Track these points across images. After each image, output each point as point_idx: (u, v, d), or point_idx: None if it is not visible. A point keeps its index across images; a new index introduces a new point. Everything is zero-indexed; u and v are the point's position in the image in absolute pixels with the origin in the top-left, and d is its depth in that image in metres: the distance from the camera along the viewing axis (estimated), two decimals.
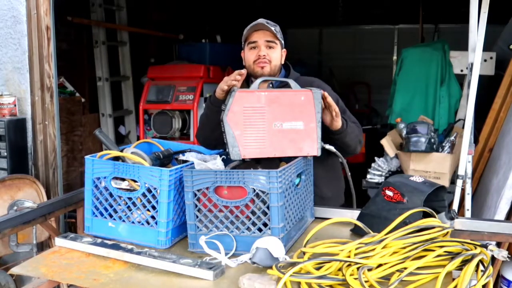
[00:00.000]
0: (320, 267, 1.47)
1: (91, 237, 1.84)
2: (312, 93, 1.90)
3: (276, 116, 1.86)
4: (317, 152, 1.92)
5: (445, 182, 3.34)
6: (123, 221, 1.86)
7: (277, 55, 2.24)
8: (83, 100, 4.62)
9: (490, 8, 2.71)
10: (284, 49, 2.30)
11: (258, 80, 1.96)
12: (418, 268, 1.47)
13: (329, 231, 1.79)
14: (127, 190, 1.85)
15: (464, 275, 1.42)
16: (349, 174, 2.16)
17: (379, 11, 7.63)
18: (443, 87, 4.28)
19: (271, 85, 2.25)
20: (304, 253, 1.57)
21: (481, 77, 2.85)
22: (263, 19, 2.25)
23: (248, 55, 2.25)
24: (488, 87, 3.79)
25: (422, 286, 1.46)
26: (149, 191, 1.79)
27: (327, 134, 2.07)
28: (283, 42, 2.27)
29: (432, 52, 4.36)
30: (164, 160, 2.08)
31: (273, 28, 2.19)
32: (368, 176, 3.69)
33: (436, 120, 4.23)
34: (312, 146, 1.91)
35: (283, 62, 2.32)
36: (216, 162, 1.83)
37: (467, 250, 1.54)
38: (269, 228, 1.69)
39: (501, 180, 3.01)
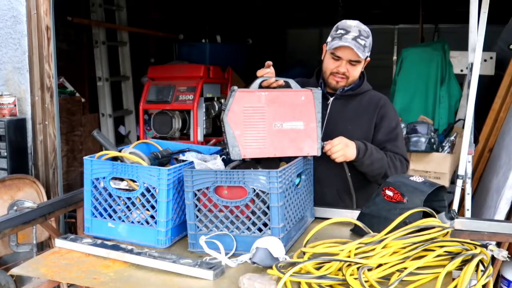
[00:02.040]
0: (320, 267, 1.47)
1: (91, 238, 1.84)
2: (312, 93, 1.90)
3: (276, 116, 1.86)
4: (317, 152, 1.92)
5: (445, 182, 3.34)
6: (123, 221, 1.86)
7: (357, 72, 2.21)
8: (83, 100, 4.62)
9: (490, 8, 2.71)
10: (368, 58, 2.23)
11: (258, 80, 1.96)
12: (418, 268, 1.47)
13: (329, 231, 1.79)
14: (126, 190, 1.85)
15: (464, 275, 1.42)
16: (349, 174, 2.16)
17: (379, 11, 7.62)
18: (443, 87, 4.28)
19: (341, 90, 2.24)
20: (304, 253, 1.57)
21: (481, 77, 2.85)
22: (357, 27, 2.12)
23: (328, 63, 2.21)
24: (488, 87, 3.79)
25: (422, 286, 1.46)
26: (148, 190, 1.79)
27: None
28: (369, 54, 2.19)
29: (432, 52, 4.36)
30: (162, 159, 2.08)
31: (361, 48, 2.09)
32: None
33: (436, 120, 4.24)
34: (312, 146, 1.90)
35: (363, 69, 2.27)
36: (216, 162, 1.83)
37: (467, 250, 1.53)
38: (269, 228, 1.68)
39: (501, 180, 3.01)
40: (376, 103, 2.29)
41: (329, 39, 2.19)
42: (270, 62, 2.13)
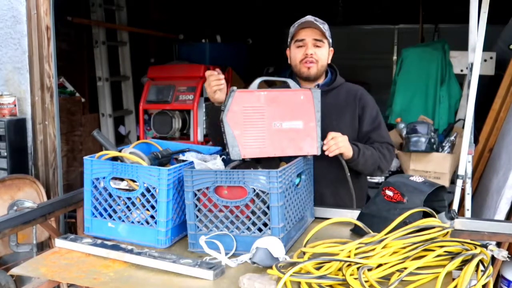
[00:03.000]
0: (320, 267, 1.47)
1: (91, 238, 1.84)
2: (312, 92, 1.90)
3: (275, 116, 1.86)
4: (317, 151, 1.92)
5: (445, 182, 3.34)
6: (123, 221, 1.86)
7: (324, 54, 2.22)
8: (83, 100, 4.62)
9: (490, 8, 2.71)
10: (332, 48, 2.27)
11: (257, 80, 1.96)
12: (418, 268, 1.47)
13: (329, 231, 1.79)
14: (126, 190, 1.85)
15: (464, 275, 1.42)
16: (348, 174, 2.16)
17: (379, 11, 7.62)
18: (443, 87, 4.28)
19: (317, 86, 2.25)
20: (304, 253, 1.57)
21: (481, 77, 2.85)
22: (311, 16, 2.22)
23: (295, 53, 2.23)
24: (488, 87, 3.78)
25: (422, 286, 1.46)
26: (148, 190, 1.79)
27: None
28: (331, 40, 2.24)
29: (432, 52, 4.36)
30: (162, 159, 2.08)
31: (321, 26, 2.16)
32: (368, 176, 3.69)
33: (436, 120, 4.23)
34: (312, 145, 1.91)
35: (329, 62, 2.29)
36: (216, 162, 1.83)
37: (467, 250, 1.53)
38: (269, 228, 1.68)
39: (501, 180, 3.01)
40: (354, 95, 2.32)
41: (289, 39, 2.26)
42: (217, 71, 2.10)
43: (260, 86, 1.96)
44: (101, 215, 1.89)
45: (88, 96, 5.01)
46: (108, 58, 5.21)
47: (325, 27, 2.19)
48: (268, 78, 2.18)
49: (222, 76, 2.04)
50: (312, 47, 2.18)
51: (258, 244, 1.58)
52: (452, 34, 5.70)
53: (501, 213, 2.90)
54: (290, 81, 2.01)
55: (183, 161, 1.93)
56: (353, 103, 2.30)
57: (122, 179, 1.86)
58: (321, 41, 2.19)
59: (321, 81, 2.30)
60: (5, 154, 3.02)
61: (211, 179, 1.70)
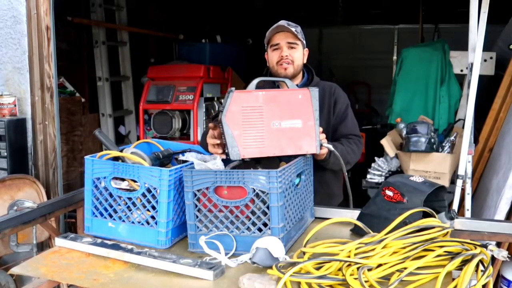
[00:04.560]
0: (320, 267, 1.47)
1: (91, 237, 1.84)
2: (309, 91, 1.90)
3: (274, 115, 1.86)
4: (316, 150, 1.91)
5: (445, 182, 3.34)
6: (123, 221, 1.86)
7: (299, 55, 2.32)
8: (83, 100, 4.62)
9: (490, 8, 2.71)
10: (306, 49, 2.37)
11: (255, 80, 1.96)
12: (418, 268, 1.47)
13: (329, 231, 1.79)
14: (127, 190, 1.85)
15: (464, 275, 1.42)
16: (346, 174, 2.16)
17: (379, 11, 7.64)
18: (443, 87, 4.28)
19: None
20: (304, 253, 1.57)
21: (481, 77, 2.85)
22: (284, 20, 2.33)
23: (271, 57, 2.34)
24: (488, 87, 3.79)
25: (422, 286, 1.46)
26: (149, 191, 1.79)
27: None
28: (304, 42, 2.34)
29: (432, 52, 4.36)
30: (163, 160, 2.07)
31: (293, 29, 2.26)
32: (368, 176, 3.70)
33: (436, 120, 4.23)
34: (311, 144, 1.90)
35: (305, 61, 2.39)
36: (216, 162, 1.83)
37: (467, 250, 1.53)
38: (269, 228, 1.68)
39: (501, 180, 3.01)
40: (329, 91, 2.41)
41: (265, 44, 2.38)
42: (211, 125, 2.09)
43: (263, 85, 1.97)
44: (102, 214, 1.89)
45: (88, 96, 5.01)
46: (108, 58, 5.22)
47: (297, 30, 2.30)
48: (266, 78, 2.19)
49: (216, 135, 2.02)
50: (287, 49, 2.29)
51: (258, 244, 1.58)
52: (452, 34, 5.70)
53: (501, 213, 2.90)
54: (287, 81, 2.02)
55: (184, 161, 1.93)
56: (328, 100, 2.39)
57: (123, 179, 1.86)
58: (295, 43, 2.30)
59: (298, 81, 2.38)
60: (5, 154, 3.03)
61: (211, 179, 1.70)
